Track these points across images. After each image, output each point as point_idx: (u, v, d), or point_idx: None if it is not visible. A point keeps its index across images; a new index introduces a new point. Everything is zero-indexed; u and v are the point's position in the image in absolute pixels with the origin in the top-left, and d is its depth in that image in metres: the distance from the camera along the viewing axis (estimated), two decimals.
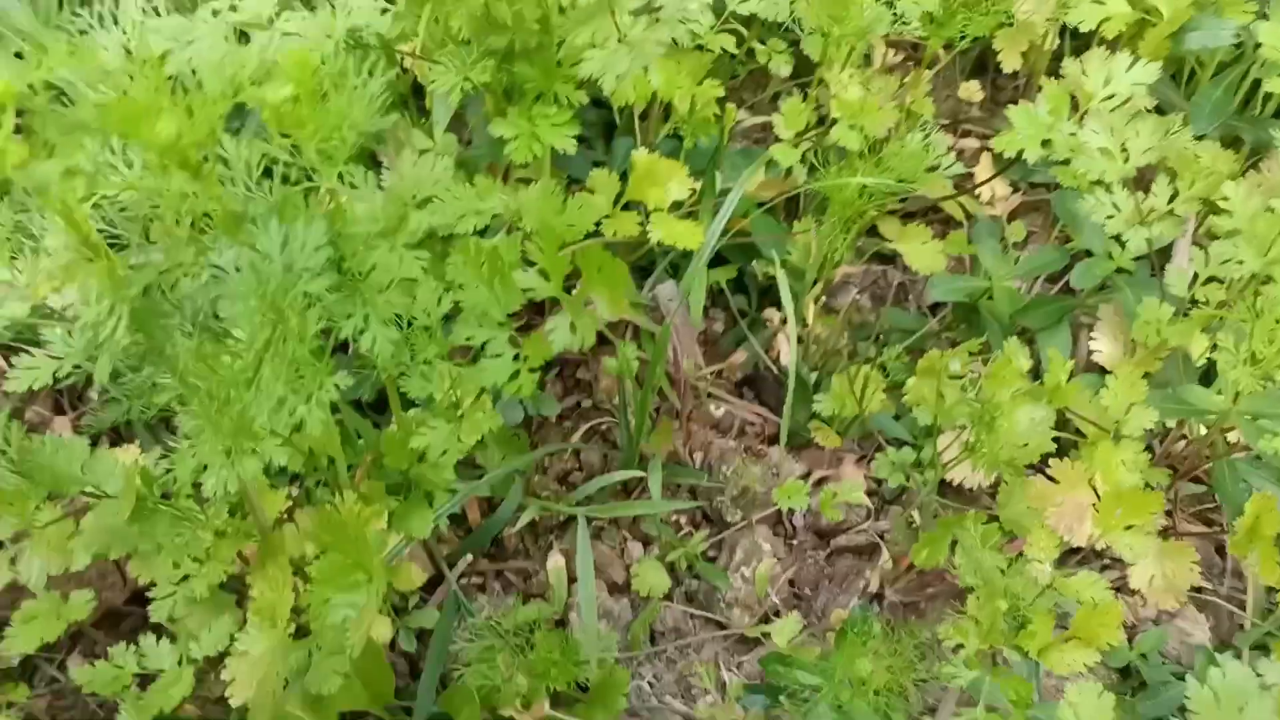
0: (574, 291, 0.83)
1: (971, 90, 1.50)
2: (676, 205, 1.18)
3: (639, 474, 1.18)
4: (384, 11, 0.97)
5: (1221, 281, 1.02)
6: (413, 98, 1.20)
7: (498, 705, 0.97)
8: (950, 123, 1.52)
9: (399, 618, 1.10)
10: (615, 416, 1.25)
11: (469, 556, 1.15)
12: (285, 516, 0.97)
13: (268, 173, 0.73)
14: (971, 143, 1.51)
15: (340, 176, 0.73)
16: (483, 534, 1.16)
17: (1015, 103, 1.57)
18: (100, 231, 0.74)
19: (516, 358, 0.80)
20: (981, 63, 1.55)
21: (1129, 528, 0.93)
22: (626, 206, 1.18)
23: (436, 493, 1.04)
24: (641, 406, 1.15)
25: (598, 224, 1.16)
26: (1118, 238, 1.00)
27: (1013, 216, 1.44)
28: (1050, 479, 1.00)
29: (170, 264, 0.72)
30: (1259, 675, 0.71)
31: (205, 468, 0.75)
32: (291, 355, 0.65)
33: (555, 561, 1.15)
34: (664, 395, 1.28)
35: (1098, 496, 1.00)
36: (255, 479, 0.85)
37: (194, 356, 0.71)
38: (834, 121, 1.12)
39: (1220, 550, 1.19)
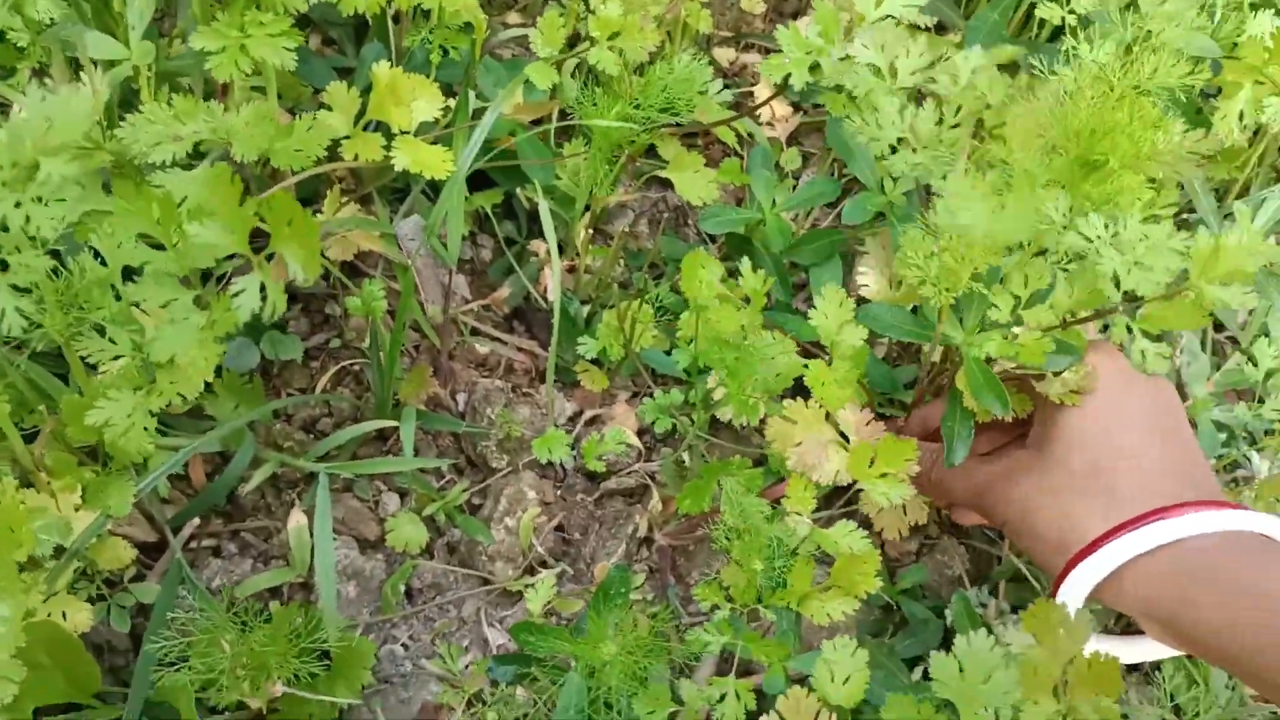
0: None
1: (754, 1, 1.43)
2: (428, 126, 1.07)
3: (391, 423, 1.09)
4: None
5: None
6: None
7: (220, 692, 0.87)
8: (733, 36, 1.44)
9: (112, 593, 0.98)
10: (368, 357, 1.14)
11: (197, 520, 1.03)
12: None
13: None
14: (754, 57, 1.45)
15: None
16: (212, 493, 1.04)
17: (800, 15, 1.52)
18: None
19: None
20: None
21: (884, 475, 0.91)
22: (370, 125, 1.05)
23: (149, 459, 0.92)
24: (391, 353, 1.05)
25: (333, 145, 1.04)
26: (889, 170, 0.95)
27: (793, 138, 1.39)
28: (787, 419, 0.97)
29: None
30: (1006, 644, 0.69)
31: None
32: None
33: (297, 520, 1.05)
34: (425, 333, 1.18)
35: (841, 436, 0.97)
36: None
37: None
38: (592, 40, 1.02)
39: None
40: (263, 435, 1.10)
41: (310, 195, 1.17)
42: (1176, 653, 0.92)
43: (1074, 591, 0.88)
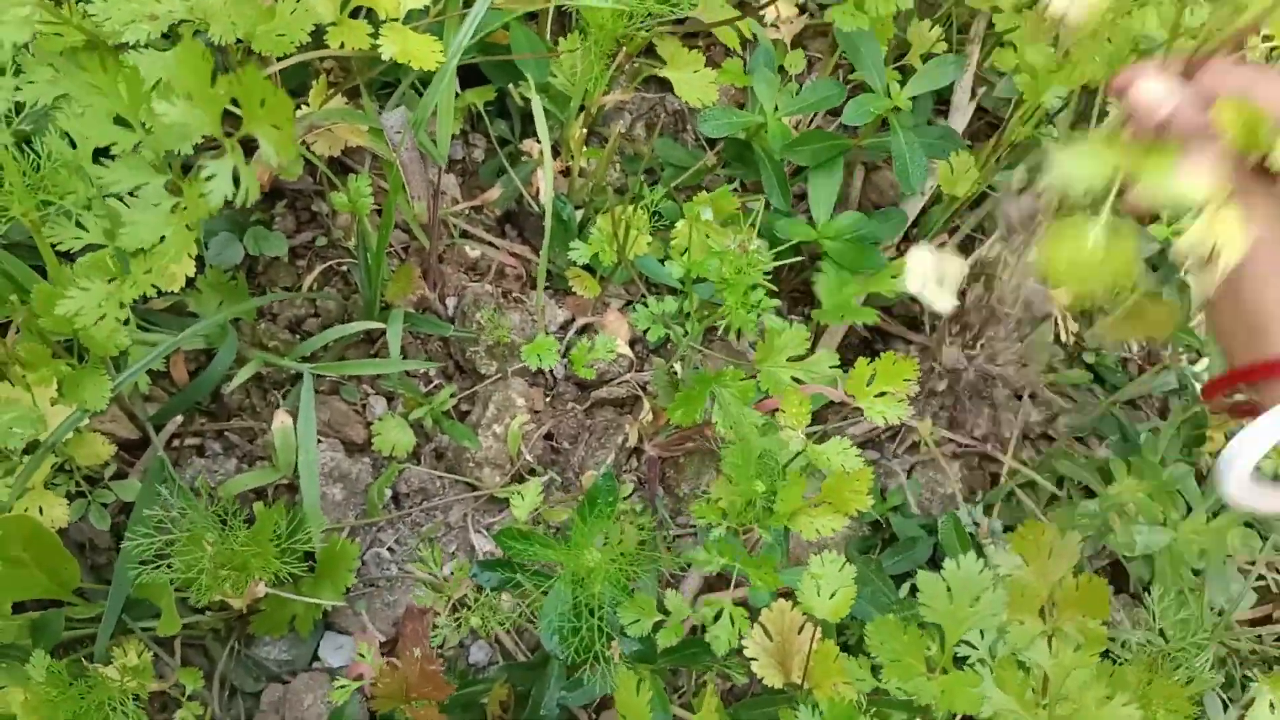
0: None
1: None
2: (417, 14, 1.02)
3: (378, 325, 1.06)
4: None
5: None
6: None
7: (201, 590, 0.86)
8: None
9: (93, 490, 0.97)
10: (355, 256, 1.11)
11: (179, 418, 1.02)
12: None
13: None
14: None
15: None
16: (195, 390, 1.02)
17: None
18: None
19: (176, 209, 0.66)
20: None
21: (882, 395, 0.89)
22: (357, 13, 1.01)
23: (128, 353, 0.90)
24: (379, 251, 1.02)
25: (318, 33, 1.00)
26: (901, 69, 0.91)
27: (798, 41, 1.34)
28: None
29: None
30: (994, 566, 0.68)
31: None
32: None
33: (281, 421, 1.03)
34: (414, 234, 1.15)
35: None
36: None
37: None
38: None
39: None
40: (248, 335, 1.08)
41: (297, 88, 1.13)
42: None
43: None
